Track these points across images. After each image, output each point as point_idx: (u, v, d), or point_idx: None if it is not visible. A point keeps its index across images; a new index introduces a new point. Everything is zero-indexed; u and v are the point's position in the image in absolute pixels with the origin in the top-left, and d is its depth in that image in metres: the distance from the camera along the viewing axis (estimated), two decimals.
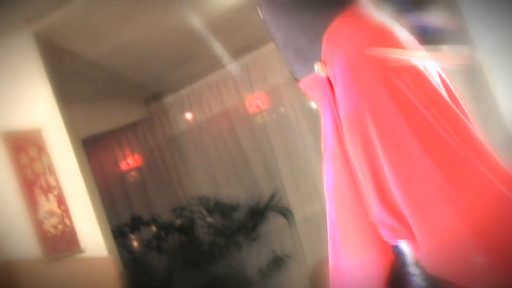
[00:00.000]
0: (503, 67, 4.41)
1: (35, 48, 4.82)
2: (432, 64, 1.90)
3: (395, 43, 1.85)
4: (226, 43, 6.87)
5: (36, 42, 4.84)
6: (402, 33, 1.90)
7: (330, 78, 1.91)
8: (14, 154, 4.37)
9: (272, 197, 7.93)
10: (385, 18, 1.92)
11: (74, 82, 6.10)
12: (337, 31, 1.87)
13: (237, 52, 7.71)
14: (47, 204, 4.49)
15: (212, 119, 8.45)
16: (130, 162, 8.97)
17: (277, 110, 8.17)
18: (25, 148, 4.49)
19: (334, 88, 1.90)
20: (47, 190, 4.54)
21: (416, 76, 1.80)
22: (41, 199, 4.46)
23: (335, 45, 1.88)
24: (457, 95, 1.89)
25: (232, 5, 5.65)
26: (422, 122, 1.73)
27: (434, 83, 1.82)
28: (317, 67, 1.91)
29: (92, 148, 7.79)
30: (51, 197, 4.55)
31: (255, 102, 8.13)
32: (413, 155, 1.72)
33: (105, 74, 6.59)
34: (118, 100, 7.90)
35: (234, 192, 8.21)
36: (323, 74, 1.91)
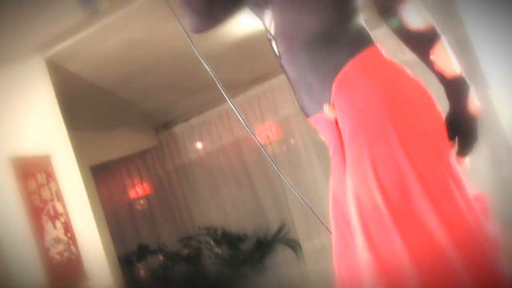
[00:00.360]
0: (504, 73, 4.38)
1: (46, 74, 4.83)
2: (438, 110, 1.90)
3: (405, 91, 1.85)
4: (238, 73, 6.89)
5: (47, 68, 4.85)
6: (413, 79, 1.89)
7: (338, 121, 1.91)
8: (23, 180, 4.35)
9: (280, 228, 7.89)
10: (398, 64, 1.92)
11: (84, 109, 6.11)
12: (348, 76, 1.87)
13: (249, 82, 7.73)
14: (54, 231, 4.46)
15: (221, 149, 8.45)
16: (138, 190, 8.95)
17: (287, 141, 8.16)
18: (34, 174, 4.47)
19: (341, 131, 1.91)
20: (54, 217, 4.51)
21: (422, 124, 1.81)
22: (48, 226, 4.43)
23: (345, 90, 1.88)
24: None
25: (244, 35, 5.67)
26: (427, 168, 1.74)
27: (437, 130, 1.83)
28: (326, 108, 1.91)
29: (101, 176, 7.79)
30: (58, 224, 4.52)
31: (265, 132, 8.12)
32: (415, 206, 1.73)
33: (115, 101, 6.60)
34: (128, 128, 7.91)
35: (242, 223, 8.18)
36: (331, 116, 1.91)
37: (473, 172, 1.89)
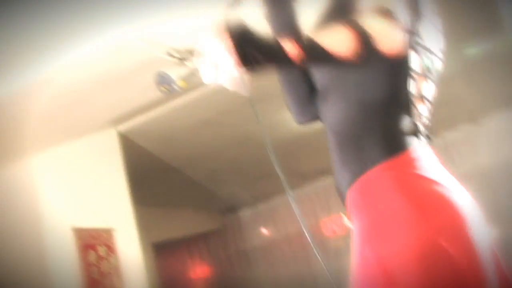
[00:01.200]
0: None
1: (117, 147, 4.89)
2: (480, 224, 1.56)
3: (424, 215, 1.52)
4: (308, 163, 6.85)
5: (119, 142, 4.91)
6: (439, 201, 1.55)
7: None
8: (84, 251, 4.35)
9: None
10: (426, 178, 1.59)
11: (151, 185, 6.14)
12: (364, 186, 1.66)
13: (318, 173, 7.68)
14: None
15: (286, 237, 8.35)
16: (199, 272, 8.89)
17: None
18: (95, 246, 4.47)
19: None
20: None
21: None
22: None
23: (357, 203, 1.69)
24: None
25: (316, 124, 5.65)
26: None
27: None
28: (343, 217, 1.75)
29: (162, 254, 7.76)
30: None
31: (331, 225, 8.01)
32: None
33: (183, 180, 6.63)
34: (193, 208, 7.92)
35: None
36: (349, 226, 1.73)
37: None
